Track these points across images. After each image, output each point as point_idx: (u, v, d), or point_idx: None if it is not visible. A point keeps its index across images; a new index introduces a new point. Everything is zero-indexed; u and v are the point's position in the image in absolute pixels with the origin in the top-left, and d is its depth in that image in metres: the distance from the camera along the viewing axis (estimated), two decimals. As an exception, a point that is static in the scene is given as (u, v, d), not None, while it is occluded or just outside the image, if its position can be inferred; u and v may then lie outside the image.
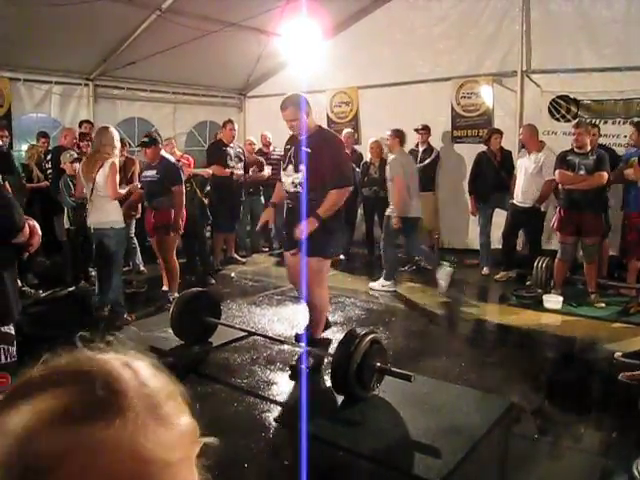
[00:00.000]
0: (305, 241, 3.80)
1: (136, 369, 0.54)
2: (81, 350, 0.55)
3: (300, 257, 4.00)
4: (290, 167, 4.01)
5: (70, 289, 6.01)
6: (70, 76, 7.58)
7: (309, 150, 3.86)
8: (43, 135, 6.75)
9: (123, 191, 5.00)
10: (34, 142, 6.75)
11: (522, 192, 6.22)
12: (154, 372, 0.56)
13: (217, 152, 6.99)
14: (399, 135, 6.27)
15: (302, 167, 3.89)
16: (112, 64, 7.54)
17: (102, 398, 0.48)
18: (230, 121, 7.24)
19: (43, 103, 7.39)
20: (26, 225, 2.72)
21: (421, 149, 7.47)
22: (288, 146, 4.13)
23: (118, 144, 5.00)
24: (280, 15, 7.31)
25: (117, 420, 0.47)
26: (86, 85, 7.78)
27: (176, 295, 5.40)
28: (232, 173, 7.02)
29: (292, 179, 3.97)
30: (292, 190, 4.00)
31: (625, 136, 6.16)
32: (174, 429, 0.51)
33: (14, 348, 2.59)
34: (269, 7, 7.06)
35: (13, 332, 2.64)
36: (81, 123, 7.12)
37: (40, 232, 2.87)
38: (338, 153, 3.95)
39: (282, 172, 4.14)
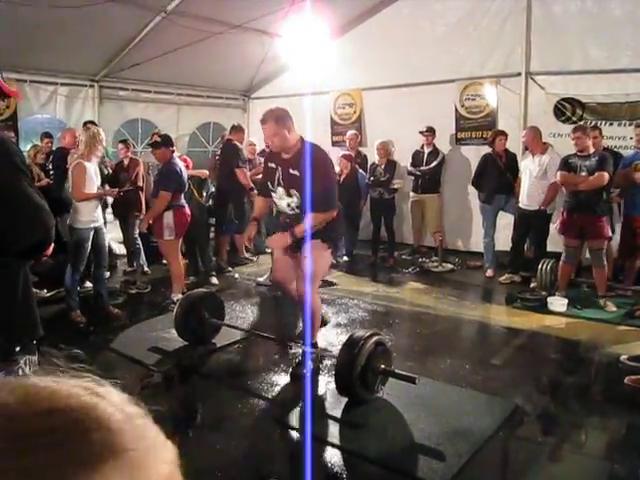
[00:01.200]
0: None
1: (129, 409, 0.46)
2: (50, 377, 0.47)
3: (291, 253, 3.96)
4: (280, 190, 3.86)
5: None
6: (75, 77, 7.60)
7: (297, 173, 3.71)
8: (47, 135, 6.76)
9: (92, 192, 4.94)
10: (39, 142, 6.76)
11: (527, 195, 6.19)
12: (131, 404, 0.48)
13: (238, 154, 6.97)
14: None
15: (293, 191, 3.77)
16: (117, 65, 7.57)
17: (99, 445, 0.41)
18: (242, 127, 7.32)
19: (49, 104, 7.42)
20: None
21: (427, 151, 7.46)
22: (272, 165, 3.90)
23: (99, 144, 4.91)
24: (284, 17, 7.31)
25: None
26: (91, 86, 7.80)
27: (179, 296, 5.41)
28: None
29: (287, 202, 3.85)
30: (290, 212, 3.89)
31: (631, 138, 6.14)
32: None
33: (36, 357, 2.60)
34: (273, 9, 7.07)
35: (34, 341, 2.66)
36: (85, 124, 7.13)
37: (52, 243, 2.89)
38: (325, 175, 3.72)
39: (272, 193, 3.96)
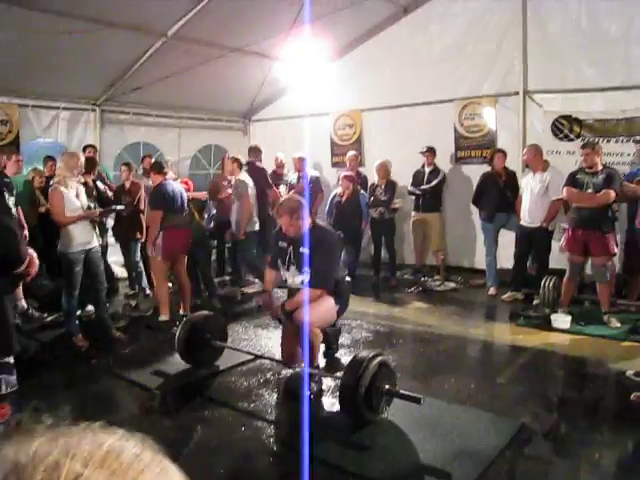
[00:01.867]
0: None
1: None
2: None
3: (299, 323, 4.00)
4: (293, 268, 4.10)
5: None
6: (77, 102, 7.68)
7: (307, 251, 3.94)
8: (50, 159, 6.79)
9: (74, 215, 4.87)
10: (41, 166, 6.79)
11: (529, 213, 6.21)
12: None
13: (266, 176, 7.43)
14: (237, 161, 6.95)
15: (306, 269, 3.96)
16: (118, 90, 7.65)
17: None
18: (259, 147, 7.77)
19: (50, 128, 7.48)
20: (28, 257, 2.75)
21: (427, 170, 7.48)
22: (283, 244, 4.14)
23: (74, 170, 4.90)
24: (284, 40, 7.42)
25: None
26: (93, 110, 7.88)
27: (164, 318, 5.56)
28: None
29: (301, 279, 4.04)
30: (301, 287, 4.05)
31: (628, 154, 6.17)
32: None
33: (14, 377, 2.57)
34: (273, 32, 7.17)
35: (12, 361, 2.62)
36: (85, 148, 7.17)
37: (37, 261, 2.88)
38: (328, 254, 3.93)
39: (284, 271, 4.19)
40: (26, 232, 5.47)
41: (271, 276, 4.40)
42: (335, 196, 7.57)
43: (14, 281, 2.92)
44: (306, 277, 3.97)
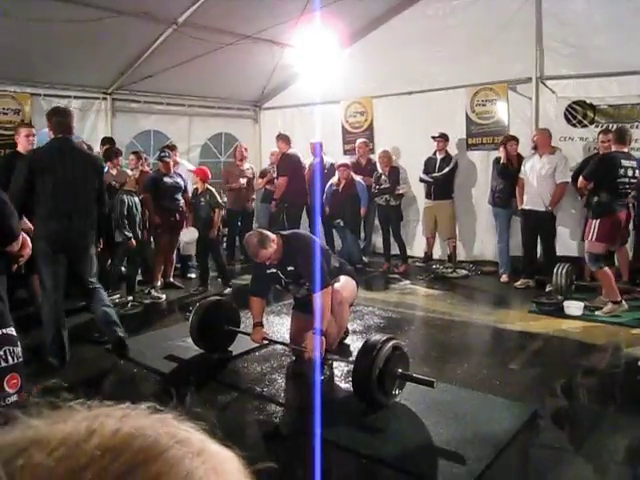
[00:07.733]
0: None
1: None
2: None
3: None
4: (292, 286, 4.30)
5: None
6: (88, 90, 7.69)
7: (292, 268, 4.11)
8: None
9: None
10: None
11: (535, 196, 6.22)
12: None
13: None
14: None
15: (302, 281, 4.16)
16: (129, 78, 7.65)
17: None
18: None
19: (62, 117, 7.49)
20: (20, 234, 2.80)
21: (439, 157, 7.41)
22: (271, 270, 4.18)
23: None
24: (294, 27, 7.37)
25: None
26: (104, 99, 7.89)
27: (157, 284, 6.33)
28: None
29: (305, 289, 4.21)
30: (307, 294, 4.19)
31: (643, 140, 6.11)
32: None
33: (19, 349, 2.61)
34: (283, 19, 7.13)
35: (14, 333, 2.67)
36: (104, 142, 7.12)
37: (30, 244, 2.93)
38: (312, 259, 3.95)
39: (288, 292, 4.52)
40: None
41: (259, 305, 4.34)
42: (331, 185, 7.60)
43: (8, 262, 2.98)
44: (307, 285, 4.12)
